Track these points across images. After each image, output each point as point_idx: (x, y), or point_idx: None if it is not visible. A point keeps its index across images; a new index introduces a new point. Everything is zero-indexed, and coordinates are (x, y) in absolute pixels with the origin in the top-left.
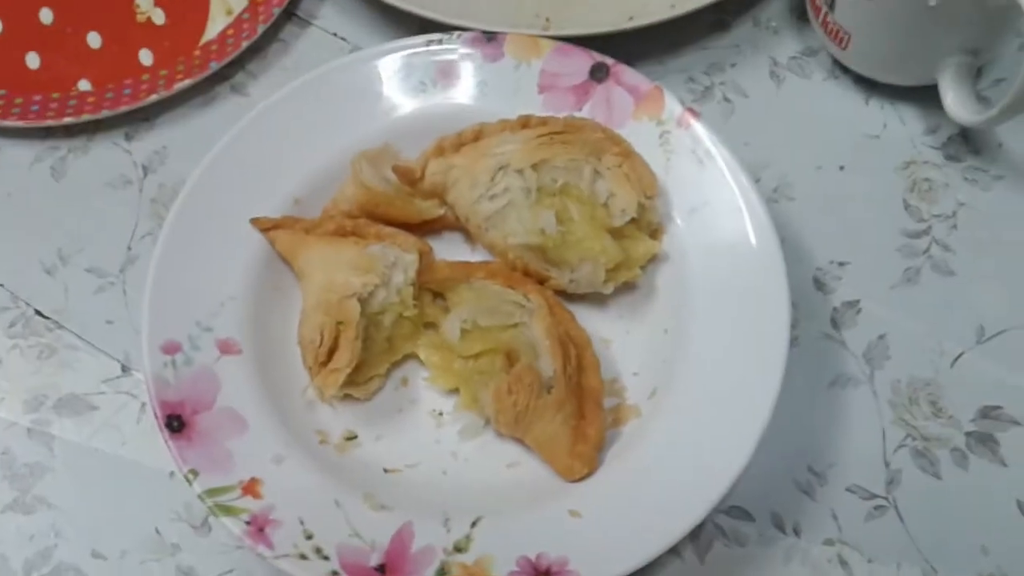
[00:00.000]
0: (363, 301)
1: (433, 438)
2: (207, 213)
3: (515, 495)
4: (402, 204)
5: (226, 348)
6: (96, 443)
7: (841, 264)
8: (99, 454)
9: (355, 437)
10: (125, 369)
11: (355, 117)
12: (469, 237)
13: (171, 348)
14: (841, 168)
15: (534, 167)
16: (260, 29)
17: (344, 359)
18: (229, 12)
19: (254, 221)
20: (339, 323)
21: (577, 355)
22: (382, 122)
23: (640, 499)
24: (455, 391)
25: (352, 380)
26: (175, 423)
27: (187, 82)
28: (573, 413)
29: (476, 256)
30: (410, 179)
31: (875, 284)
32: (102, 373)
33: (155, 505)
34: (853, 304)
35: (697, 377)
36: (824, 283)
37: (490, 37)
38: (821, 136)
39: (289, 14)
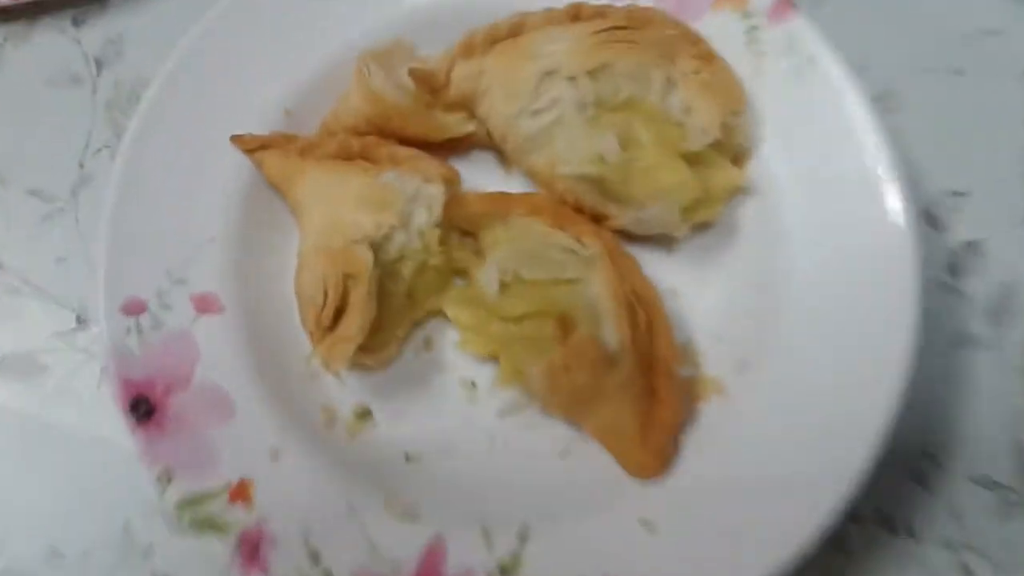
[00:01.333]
0: (376, 247)
1: (465, 416)
2: (178, 127)
3: (570, 495)
4: (421, 119)
5: (205, 305)
6: (49, 413)
7: (958, 195)
8: (53, 428)
9: (369, 414)
10: (81, 320)
11: (354, 6)
12: (505, 160)
13: (135, 307)
14: (957, 72)
15: (590, 74)
16: None
17: (354, 325)
18: None
19: (236, 139)
20: (347, 276)
21: (647, 319)
22: (394, 8)
23: (731, 509)
24: (492, 359)
25: (364, 345)
26: (142, 407)
27: None
28: (643, 392)
29: (513, 185)
30: (432, 86)
31: (1001, 220)
32: (53, 325)
33: (124, 493)
34: (975, 246)
35: (803, 350)
36: (938, 218)
37: None
38: (931, 32)
39: None
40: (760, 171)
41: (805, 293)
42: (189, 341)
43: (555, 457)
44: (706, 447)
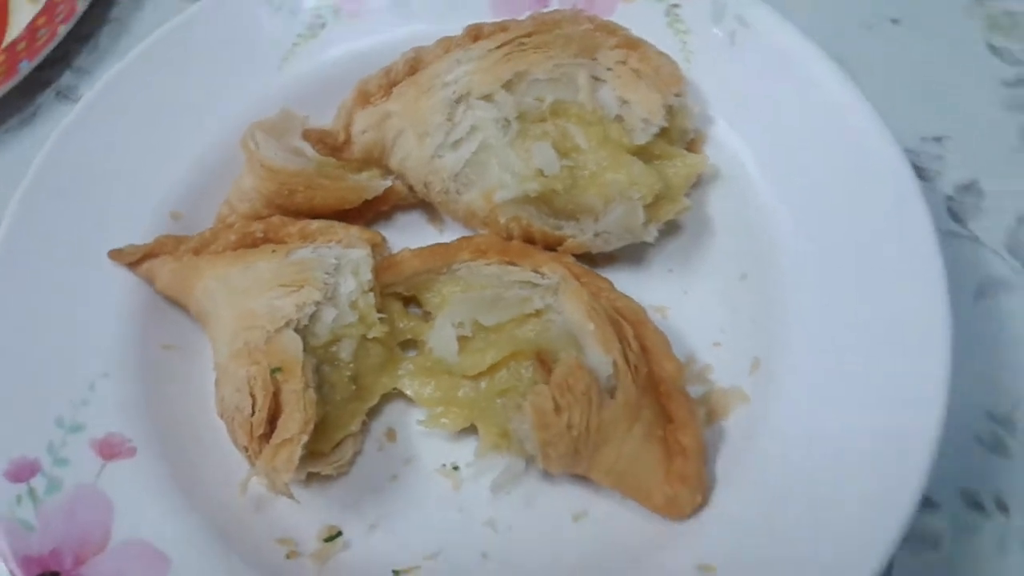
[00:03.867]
0: (303, 331)
1: (454, 507)
2: (42, 254)
3: (601, 561)
4: (329, 182)
5: (111, 450)
6: None
7: (937, 140)
8: None
9: (338, 535)
10: None
11: (233, 82)
12: (433, 212)
13: (23, 471)
14: (894, 22)
15: (506, 87)
16: (81, 6)
17: (295, 423)
18: None
19: (115, 254)
20: (275, 371)
21: (635, 334)
22: (271, 83)
23: (797, 524)
24: (469, 430)
25: (315, 450)
26: None
27: None
28: (654, 419)
29: (449, 236)
30: (332, 145)
31: (989, 154)
32: None
33: None
34: (970, 187)
35: (822, 327)
36: (924, 169)
37: None
38: None
39: None
40: (718, 154)
41: (804, 269)
42: (98, 496)
43: (571, 523)
44: (746, 465)
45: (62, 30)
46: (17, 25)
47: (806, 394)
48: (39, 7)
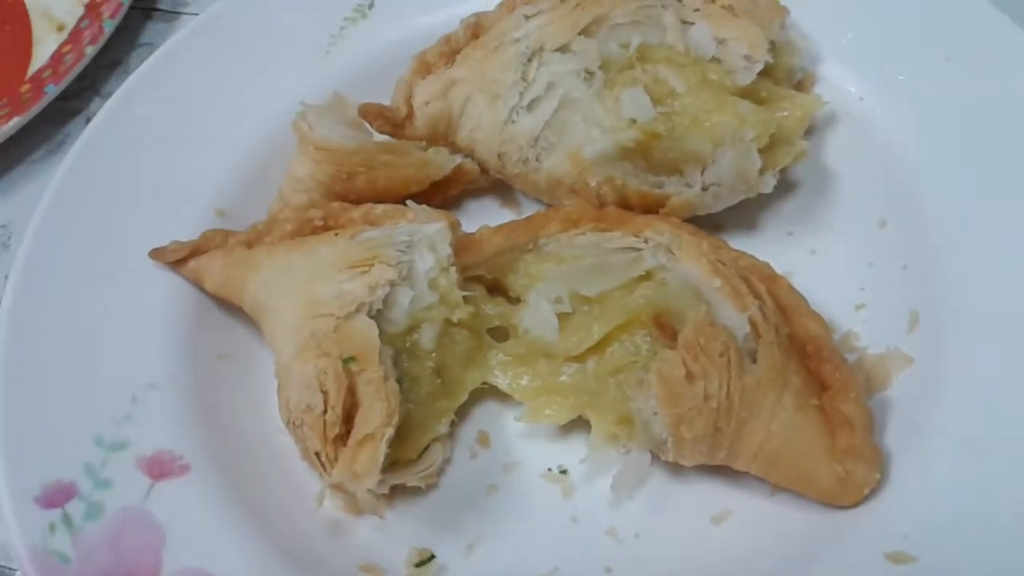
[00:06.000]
0: (377, 317)
1: (566, 517)
2: (75, 257)
3: (754, 570)
4: (393, 158)
5: (160, 469)
6: None
7: None
8: None
9: (431, 558)
10: None
11: (277, 70)
12: (507, 195)
13: (57, 496)
14: None
15: (584, 34)
16: (108, 28)
17: (376, 415)
18: (61, 28)
19: (156, 254)
20: (348, 361)
21: (767, 290)
22: (318, 70)
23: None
24: (577, 423)
25: (398, 457)
26: None
27: (16, 121)
28: (805, 385)
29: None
30: (392, 120)
31: None
32: None
33: None
34: None
35: (983, 266)
36: None
37: None
38: None
39: (149, 10)
40: (835, 92)
41: (955, 205)
42: (146, 520)
43: (711, 526)
44: (926, 434)
45: (90, 51)
46: (41, 56)
47: (984, 341)
48: (65, 36)
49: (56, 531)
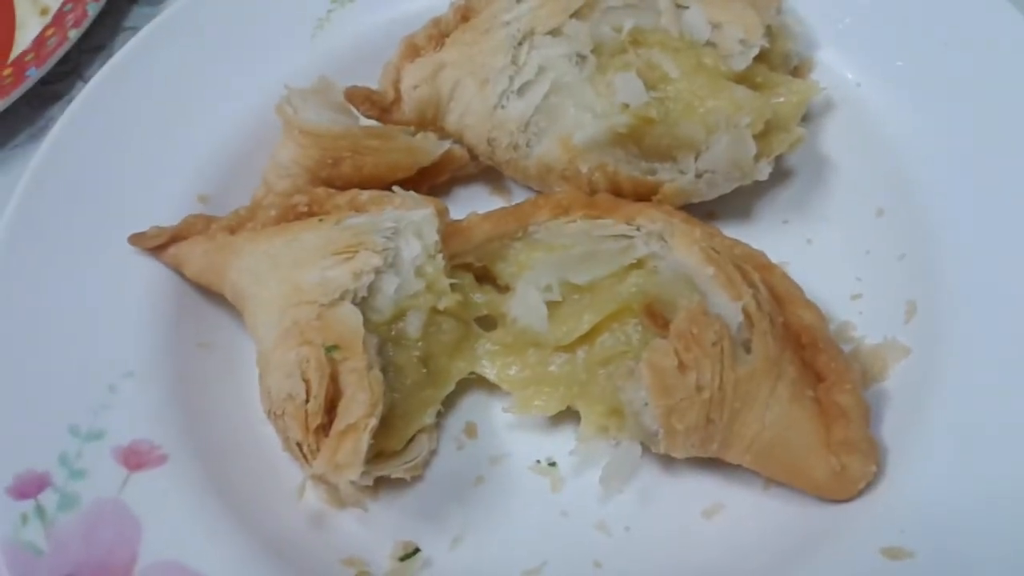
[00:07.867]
0: (362, 305)
1: (555, 511)
2: (52, 242)
3: (745, 566)
4: (379, 143)
5: (137, 459)
6: None
7: None
8: None
9: (416, 552)
10: None
11: (262, 54)
12: (496, 181)
13: (29, 486)
14: None
15: (575, 17)
16: (92, 12)
17: (358, 405)
18: (44, 11)
19: (136, 239)
20: (330, 349)
21: (762, 278)
22: (304, 54)
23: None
24: (566, 414)
25: (383, 448)
26: None
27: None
28: (800, 376)
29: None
30: (379, 105)
31: None
32: None
33: None
34: None
35: (981, 255)
36: None
37: None
38: None
39: None
40: (832, 78)
41: (954, 193)
42: (122, 512)
43: (702, 520)
44: (924, 426)
45: (73, 34)
46: (24, 40)
47: (982, 331)
48: (48, 20)
49: (28, 522)
